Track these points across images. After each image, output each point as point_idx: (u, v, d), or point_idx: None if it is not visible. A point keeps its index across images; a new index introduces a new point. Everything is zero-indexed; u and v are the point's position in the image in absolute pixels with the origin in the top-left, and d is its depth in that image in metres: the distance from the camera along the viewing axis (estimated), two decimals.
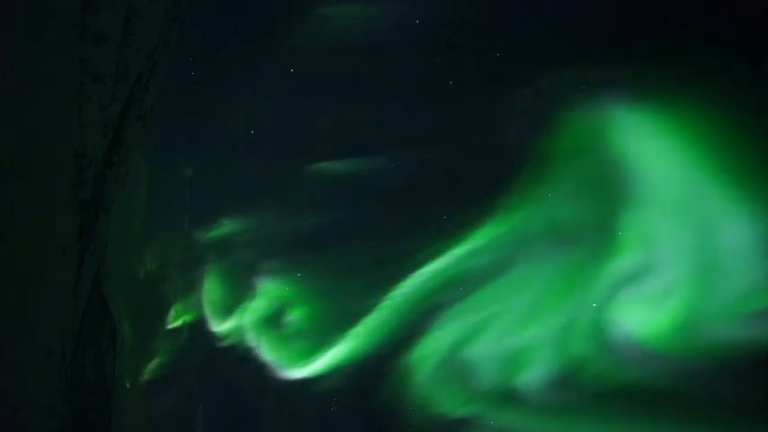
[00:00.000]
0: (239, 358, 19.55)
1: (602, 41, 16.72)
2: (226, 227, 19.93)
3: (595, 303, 17.80)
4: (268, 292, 19.85)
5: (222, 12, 18.91)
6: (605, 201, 17.62)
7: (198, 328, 19.80)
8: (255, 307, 19.82)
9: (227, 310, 19.89)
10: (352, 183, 19.22)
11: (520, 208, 18.31)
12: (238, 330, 19.73)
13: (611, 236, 17.75)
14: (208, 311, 19.90)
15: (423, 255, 19.07)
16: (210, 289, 20.01)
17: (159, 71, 13.40)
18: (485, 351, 18.83)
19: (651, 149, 17.12)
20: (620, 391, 16.98)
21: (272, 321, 19.79)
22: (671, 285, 16.94)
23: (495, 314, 18.88)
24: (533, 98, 17.80)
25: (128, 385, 17.72)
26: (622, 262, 17.61)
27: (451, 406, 18.85)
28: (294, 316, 19.82)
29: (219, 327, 19.80)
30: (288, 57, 18.87)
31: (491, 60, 18.32)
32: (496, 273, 18.74)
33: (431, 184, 19.14)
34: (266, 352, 19.64)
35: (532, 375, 18.25)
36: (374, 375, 19.09)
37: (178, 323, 19.80)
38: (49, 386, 9.86)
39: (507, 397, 18.40)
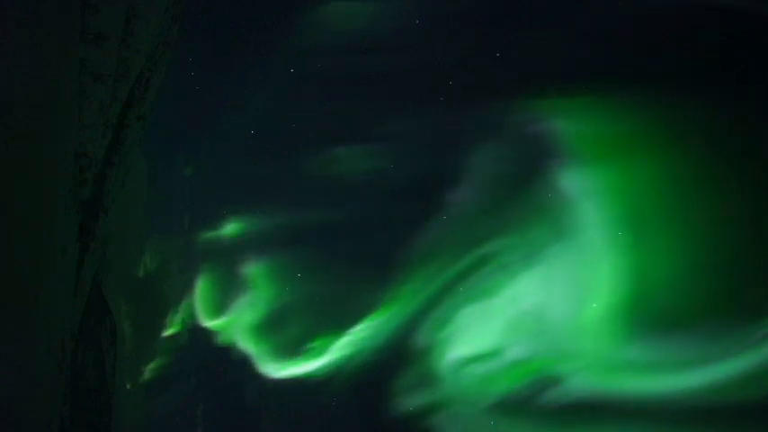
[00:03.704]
0: (239, 358, 19.55)
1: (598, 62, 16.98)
2: (226, 226, 19.92)
3: (595, 304, 17.84)
4: (268, 291, 19.84)
5: (222, 11, 18.91)
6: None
7: (198, 327, 19.79)
8: (255, 307, 19.81)
9: (227, 309, 19.88)
10: (352, 182, 19.22)
11: (521, 207, 18.33)
12: (238, 330, 19.72)
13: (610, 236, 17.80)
14: (208, 311, 19.89)
15: (423, 255, 19.07)
16: (210, 289, 20.00)
17: (159, 71, 13.39)
18: (487, 351, 18.84)
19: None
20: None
21: (272, 321, 19.79)
22: None
23: (498, 312, 18.89)
24: (528, 99, 17.86)
25: (128, 385, 17.71)
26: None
27: (452, 406, 18.86)
28: (294, 316, 19.82)
29: (219, 327, 19.79)
30: (288, 56, 18.88)
31: (491, 61, 18.34)
32: (499, 273, 18.76)
33: (431, 183, 19.15)
34: (266, 352, 19.63)
35: (532, 377, 18.27)
36: (374, 375, 19.10)
37: (178, 323, 19.80)
38: (49, 386, 9.85)
39: (508, 398, 18.41)
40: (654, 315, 17.15)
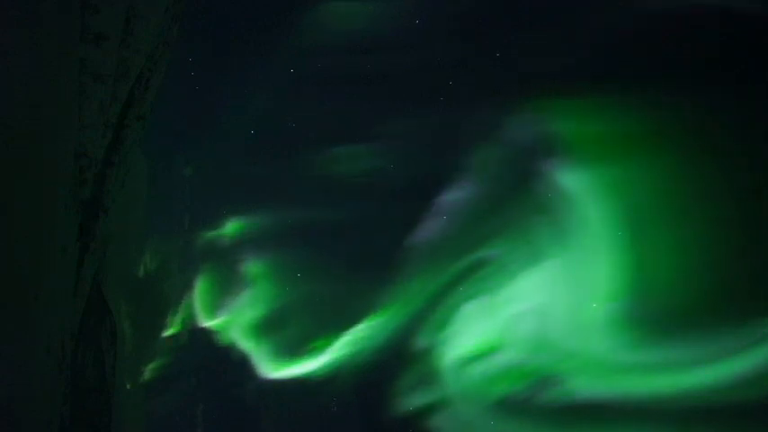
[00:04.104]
0: (239, 358, 19.55)
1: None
2: (226, 226, 19.93)
3: (595, 304, 17.83)
4: (268, 291, 19.84)
5: (222, 11, 18.91)
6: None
7: (198, 327, 19.80)
8: (255, 307, 19.81)
9: (227, 309, 19.89)
10: (352, 182, 19.22)
11: (521, 207, 18.34)
12: (238, 330, 19.73)
13: (610, 235, 17.80)
14: (208, 311, 19.90)
15: (423, 255, 19.07)
16: (210, 289, 20.00)
17: (159, 71, 13.39)
18: (487, 351, 18.83)
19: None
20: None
21: (272, 321, 19.79)
22: None
23: (498, 313, 18.90)
24: (528, 99, 17.86)
25: (128, 385, 17.71)
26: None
27: (452, 406, 18.86)
28: (294, 316, 19.82)
29: (219, 327, 19.79)
30: (288, 56, 18.88)
31: (491, 61, 18.34)
32: (499, 273, 18.76)
33: (431, 183, 19.15)
34: (266, 352, 19.63)
35: (533, 377, 18.27)
36: (375, 375, 19.10)
37: (178, 323, 19.80)
38: (49, 386, 9.84)
39: (508, 398, 18.41)
40: (654, 315, 17.15)
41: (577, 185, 17.91)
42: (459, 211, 18.79)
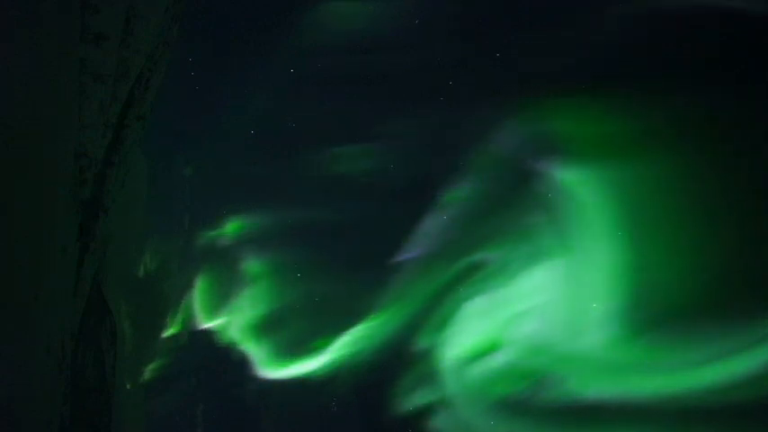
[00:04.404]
0: (239, 358, 19.55)
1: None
2: (226, 226, 19.93)
3: (595, 304, 17.83)
4: (268, 291, 19.84)
5: (222, 11, 18.91)
6: None
7: (198, 328, 19.81)
8: (255, 307, 19.81)
9: (227, 309, 19.89)
10: (352, 182, 19.22)
11: (521, 207, 18.33)
12: (238, 330, 19.73)
13: (610, 236, 17.81)
14: (208, 311, 19.90)
15: (423, 255, 19.07)
16: (210, 289, 20.00)
17: (159, 71, 13.39)
18: (487, 351, 18.83)
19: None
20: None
21: (272, 321, 19.79)
22: None
23: (498, 313, 18.89)
24: (528, 99, 17.86)
25: (128, 385, 17.71)
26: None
27: (452, 406, 18.86)
28: (294, 316, 19.82)
29: (219, 327, 19.79)
30: (288, 56, 18.88)
31: (491, 61, 18.34)
32: (499, 273, 18.77)
33: (431, 183, 19.15)
34: (266, 352, 19.63)
35: (533, 377, 18.27)
36: (375, 375, 19.10)
37: (178, 323, 19.80)
38: (49, 386, 9.85)
39: (508, 398, 18.41)
40: (654, 315, 17.15)
41: (577, 186, 17.92)
42: (459, 211, 18.79)
